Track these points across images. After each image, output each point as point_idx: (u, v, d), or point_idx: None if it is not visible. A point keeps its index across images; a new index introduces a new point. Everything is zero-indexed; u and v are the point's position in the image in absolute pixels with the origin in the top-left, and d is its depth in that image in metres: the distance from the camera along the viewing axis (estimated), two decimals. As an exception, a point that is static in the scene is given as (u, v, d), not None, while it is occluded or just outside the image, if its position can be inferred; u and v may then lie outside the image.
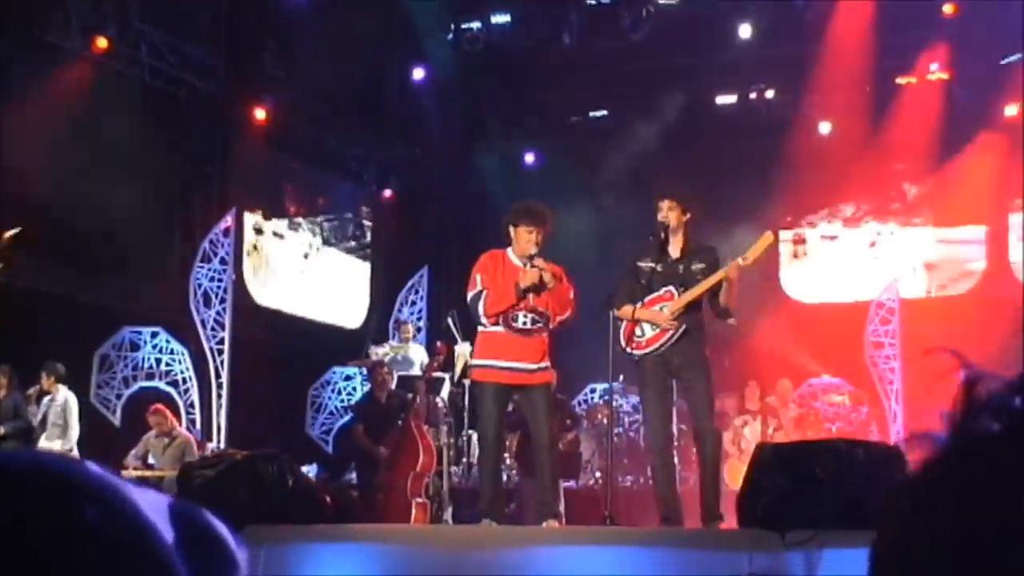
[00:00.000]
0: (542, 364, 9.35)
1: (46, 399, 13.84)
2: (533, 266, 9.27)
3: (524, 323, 9.29)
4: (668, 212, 9.22)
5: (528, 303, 9.27)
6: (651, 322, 9.15)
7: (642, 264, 9.29)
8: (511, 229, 9.50)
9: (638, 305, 9.16)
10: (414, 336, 16.73)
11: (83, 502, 0.94)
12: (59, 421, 13.74)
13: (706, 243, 9.51)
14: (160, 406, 14.57)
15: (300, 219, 19.93)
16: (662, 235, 9.25)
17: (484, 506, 9.37)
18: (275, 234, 19.34)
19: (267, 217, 19.22)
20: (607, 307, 9.29)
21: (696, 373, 9.13)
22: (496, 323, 9.34)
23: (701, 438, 9.17)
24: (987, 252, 18.73)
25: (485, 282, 9.42)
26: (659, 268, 9.22)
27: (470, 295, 9.47)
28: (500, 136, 19.89)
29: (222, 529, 1.06)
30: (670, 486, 9.20)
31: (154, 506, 1.01)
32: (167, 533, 0.99)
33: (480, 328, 9.50)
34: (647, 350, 9.15)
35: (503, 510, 9.62)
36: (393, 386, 14.18)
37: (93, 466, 1.00)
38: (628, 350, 9.23)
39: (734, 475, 13.70)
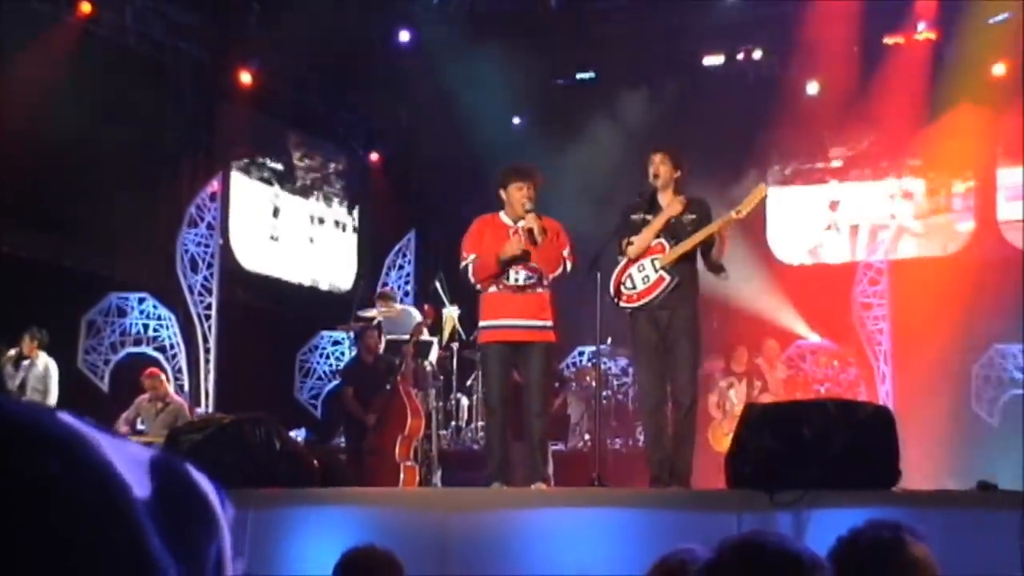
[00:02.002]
0: (542, 322, 9.33)
1: (25, 363, 13.79)
2: (524, 220, 9.32)
3: (516, 280, 9.29)
4: (660, 166, 9.26)
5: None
6: (644, 249, 9.17)
7: (634, 217, 9.32)
8: (502, 193, 9.52)
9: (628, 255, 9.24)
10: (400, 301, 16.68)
11: (44, 453, 0.91)
12: (39, 387, 13.66)
13: (697, 197, 9.53)
14: (155, 370, 14.60)
15: (286, 182, 19.87)
16: (653, 190, 9.29)
17: (493, 470, 9.35)
18: (261, 198, 19.30)
19: (252, 178, 19.17)
20: (592, 268, 9.28)
21: (683, 337, 9.12)
22: (491, 286, 9.36)
23: (678, 405, 9.17)
24: (976, 212, 18.72)
25: (474, 249, 9.43)
26: (649, 220, 9.24)
27: (462, 265, 9.48)
28: (487, 99, 19.79)
29: (206, 486, 1.03)
30: (662, 448, 9.18)
31: (134, 459, 0.98)
32: (144, 488, 0.96)
33: (481, 293, 9.52)
34: (639, 303, 9.14)
35: (513, 473, 9.61)
36: (381, 350, 14.18)
37: (66, 417, 0.96)
38: (618, 303, 9.24)
39: (718, 438, 13.73)
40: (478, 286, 9.42)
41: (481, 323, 9.54)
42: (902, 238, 18.75)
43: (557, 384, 13.86)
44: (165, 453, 1.03)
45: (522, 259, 9.28)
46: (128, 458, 0.97)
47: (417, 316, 15.46)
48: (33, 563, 0.87)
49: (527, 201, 9.36)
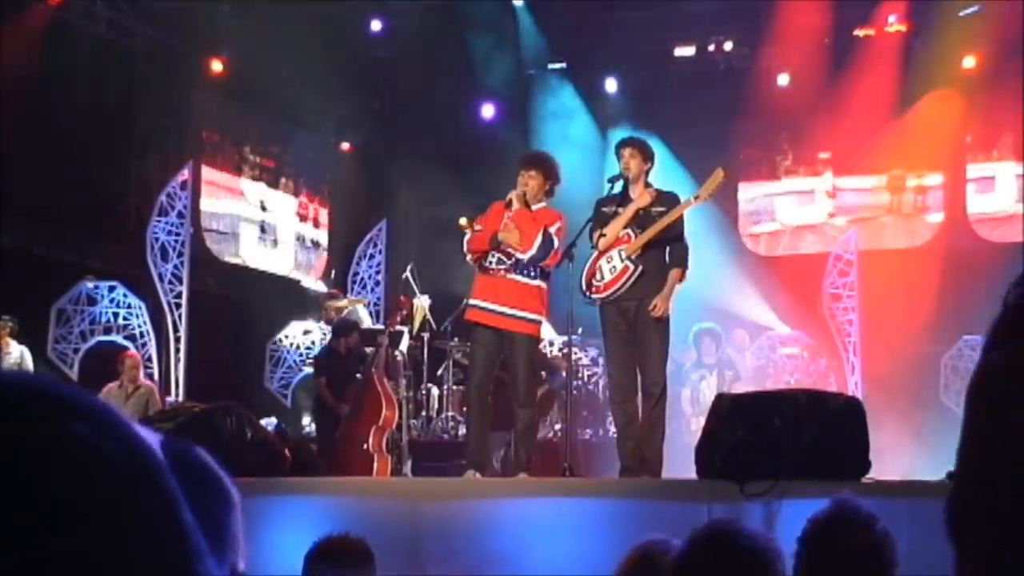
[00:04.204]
0: (522, 313, 9.35)
1: None
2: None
3: (491, 263, 9.37)
4: (630, 160, 9.38)
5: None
6: (613, 240, 9.26)
7: (605, 209, 9.42)
8: None
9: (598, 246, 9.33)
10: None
11: (70, 418, 0.91)
12: (13, 375, 13.53)
13: (667, 189, 9.64)
14: (133, 352, 14.57)
15: (256, 171, 19.82)
16: (623, 181, 9.39)
17: (468, 457, 9.41)
18: (231, 188, 19.25)
19: (223, 170, 19.12)
20: (566, 258, 9.36)
21: (652, 328, 9.19)
22: (476, 262, 9.43)
23: (648, 395, 9.23)
24: (944, 204, 18.79)
25: (479, 223, 9.55)
26: (620, 212, 9.34)
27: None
28: (458, 88, 19.79)
29: (217, 466, 1.04)
30: (632, 438, 9.22)
31: (148, 439, 0.98)
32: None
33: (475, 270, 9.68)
34: (605, 294, 9.23)
35: (488, 461, 9.65)
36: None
37: (83, 390, 0.97)
38: (588, 295, 9.32)
39: (692, 429, 13.74)
40: (468, 257, 9.55)
41: (470, 300, 9.60)
42: (872, 229, 18.77)
43: (544, 374, 13.86)
44: (173, 436, 1.03)
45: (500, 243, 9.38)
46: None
47: (363, 313, 15.55)
48: (62, 525, 0.87)
49: (522, 188, 9.45)
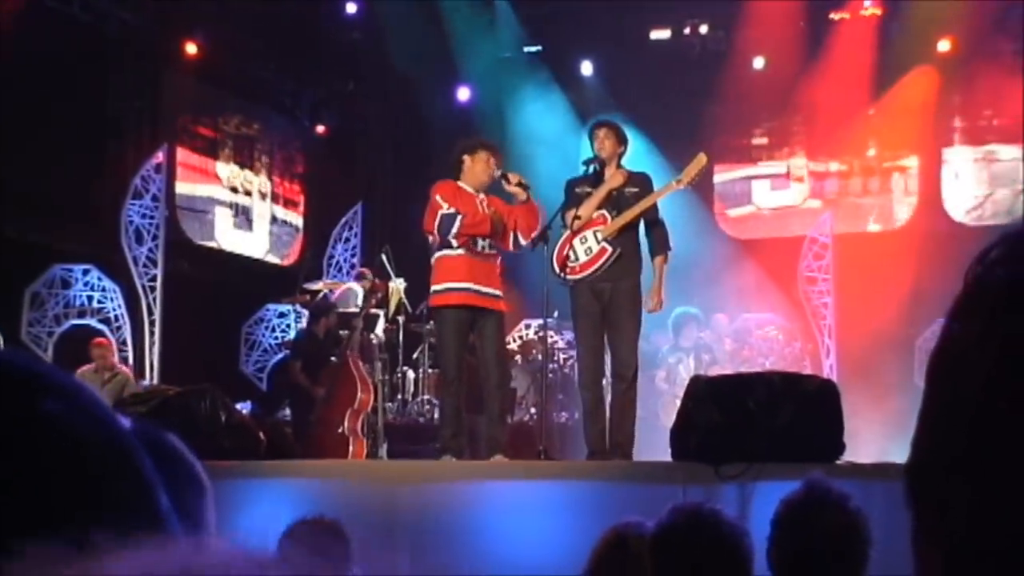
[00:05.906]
0: (495, 291, 9.42)
1: None
2: (506, 180, 9.44)
3: (483, 247, 9.37)
4: (604, 140, 9.38)
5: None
6: (587, 221, 9.27)
7: (578, 190, 9.42)
8: (466, 158, 9.54)
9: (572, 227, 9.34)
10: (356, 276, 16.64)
11: (44, 397, 0.90)
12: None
13: (639, 170, 9.65)
14: (104, 339, 14.50)
15: (231, 154, 19.76)
16: (597, 163, 9.40)
17: (444, 442, 9.39)
18: (205, 170, 19.19)
19: (198, 153, 19.05)
20: (541, 241, 9.35)
21: (625, 310, 9.21)
22: (462, 245, 9.34)
23: (620, 378, 9.24)
24: (919, 187, 18.82)
25: (455, 205, 9.41)
26: (593, 193, 9.36)
27: (440, 214, 9.37)
28: (433, 71, 19.73)
29: (188, 452, 1.03)
30: (601, 420, 9.23)
31: None
32: None
33: (438, 254, 9.46)
34: (581, 275, 9.24)
35: (464, 445, 9.63)
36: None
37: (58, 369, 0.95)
38: (563, 276, 9.31)
39: (669, 412, 13.76)
40: (453, 240, 9.38)
41: (435, 286, 9.51)
42: (847, 213, 18.80)
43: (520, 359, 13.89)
44: (145, 422, 1.02)
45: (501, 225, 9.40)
46: None
47: (359, 294, 15.47)
48: (34, 507, 0.86)
49: (495, 171, 9.44)
